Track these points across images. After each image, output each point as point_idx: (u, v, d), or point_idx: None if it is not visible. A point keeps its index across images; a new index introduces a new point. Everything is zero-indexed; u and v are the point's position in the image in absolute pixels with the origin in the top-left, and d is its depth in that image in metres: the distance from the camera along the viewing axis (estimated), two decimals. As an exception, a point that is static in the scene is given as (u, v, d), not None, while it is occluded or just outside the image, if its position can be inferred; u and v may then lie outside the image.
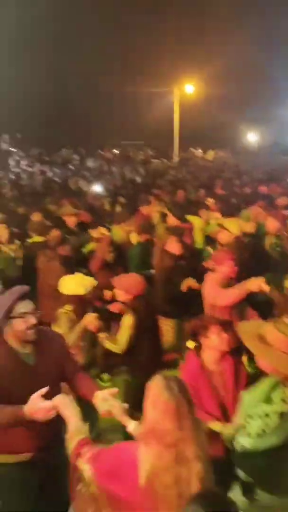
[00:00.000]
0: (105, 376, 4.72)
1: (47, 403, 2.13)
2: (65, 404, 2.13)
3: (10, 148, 21.21)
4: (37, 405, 2.13)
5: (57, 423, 2.56)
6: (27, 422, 2.18)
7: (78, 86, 23.83)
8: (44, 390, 2.17)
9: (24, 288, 2.48)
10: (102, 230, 5.56)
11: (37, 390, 2.20)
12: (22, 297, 2.42)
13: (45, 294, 4.46)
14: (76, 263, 5.02)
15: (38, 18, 22.13)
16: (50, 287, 4.57)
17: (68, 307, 3.60)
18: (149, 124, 24.45)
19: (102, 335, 3.65)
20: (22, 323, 2.38)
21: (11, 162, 18.37)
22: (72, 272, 4.47)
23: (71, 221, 6.24)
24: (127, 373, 3.81)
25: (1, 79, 22.16)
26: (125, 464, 1.75)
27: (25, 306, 2.41)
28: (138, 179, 14.51)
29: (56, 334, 2.77)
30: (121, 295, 3.72)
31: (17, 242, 5.64)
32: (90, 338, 3.73)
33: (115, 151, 23.77)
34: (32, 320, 2.41)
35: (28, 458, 2.44)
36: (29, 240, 5.73)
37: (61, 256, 4.96)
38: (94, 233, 5.57)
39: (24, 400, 2.19)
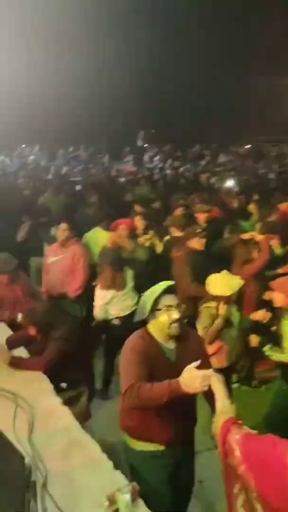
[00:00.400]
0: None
1: (204, 371, 2.16)
2: (217, 379, 2.14)
3: (145, 144, 21.91)
4: (194, 373, 2.16)
5: (192, 420, 2.66)
6: (176, 402, 2.23)
7: (214, 81, 23.64)
8: (196, 363, 2.20)
9: (170, 282, 2.56)
10: (255, 234, 5.28)
11: None
12: (168, 290, 2.49)
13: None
14: (213, 261, 4.97)
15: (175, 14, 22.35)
16: (177, 278, 4.68)
17: (212, 304, 3.66)
18: (285, 119, 23.32)
19: (266, 349, 3.61)
20: (166, 316, 2.45)
21: (145, 157, 19.01)
22: (203, 270, 4.52)
23: (202, 218, 6.22)
24: (283, 380, 3.65)
25: (136, 77, 22.95)
26: (276, 461, 1.66)
27: (170, 299, 2.49)
28: (272, 176, 13.96)
29: (196, 335, 2.82)
30: (281, 299, 3.55)
31: (151, 232, 5.81)
32: (236, 342, 3.73)
33: (248, 146, 23.15)
34: (176, 314, 2.46)
35: (163, 449, 2.53)
36: (169, 235, 5.80)
37: (191, 250, 4.96)
38: (244, 235, 5.34)
39: None
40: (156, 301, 2.47)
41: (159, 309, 2.47)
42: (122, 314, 4.47)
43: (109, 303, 4.46)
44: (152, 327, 2.53)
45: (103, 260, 4.55)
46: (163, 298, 2.48)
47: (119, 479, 2.32)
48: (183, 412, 2.50)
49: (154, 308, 2.47)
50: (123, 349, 2.54)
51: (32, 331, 3.51)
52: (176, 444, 2.55)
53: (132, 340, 2.54)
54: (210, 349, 3.62)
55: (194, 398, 2.63)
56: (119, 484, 2.25)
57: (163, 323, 2.47)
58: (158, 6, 21.88)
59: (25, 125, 19.89)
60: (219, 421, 1.91)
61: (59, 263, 5.05)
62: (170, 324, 2.46)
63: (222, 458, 1.86)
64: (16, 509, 1.78)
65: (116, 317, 4.49)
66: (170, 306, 2.47)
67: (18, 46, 19.87)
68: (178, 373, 2.28)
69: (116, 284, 4.45)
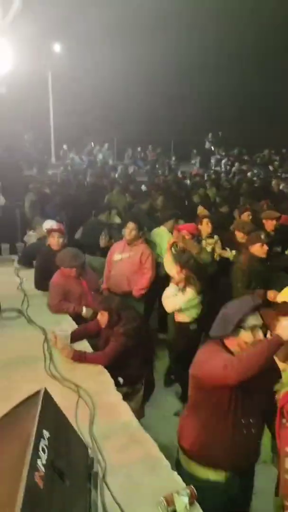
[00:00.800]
0: None
1: None
2: None
3: (212, 147, 21.74)
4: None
5: (256, 451, 2.58)
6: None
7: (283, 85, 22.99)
8: None
9: (259, 301, 2.48)
10: None
11: (247, 405, 2.28)
12: (254, 309, 2.42)
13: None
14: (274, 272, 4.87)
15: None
16: (232, 282, 4.68)
17: None
18: None
19: None
20: (250, 337, 2.38)
21: (212, 160, 18.86)
22: (262, 278, 4.45)
23: (270, 225, 6.08)
24: None
25: (207, 81, 22.78)
26: None
27: (256, 319, 2.41)
28: None
29: None
30: None
31: (215, 237, 5.78)
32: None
33: None
34: (260, 334, 2.39)
35: (223, 478, 2.46)
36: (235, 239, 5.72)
37: (252, 256, 4.87)
38: None
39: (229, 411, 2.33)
40: (243, 319, 2.38)
41: (244, 328, 2.38)
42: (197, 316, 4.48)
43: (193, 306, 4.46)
44: (230, 343, 2.44)
45: (188, 266, 4.45)
46: (250, 317, 2.39)
47: (177, 480, 2.32)
48: (249, 436, 2.43)
49: (240, 326, 2.39)
50: (204, 356, 2.44)
51: (103, 317, 3.59)
52: (238, 473, 2.47)
53: (213, 347, 2.45)
54: (280, 365, 3.53)
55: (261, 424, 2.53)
56: (177, 485, 2.25)
57: (245, 343, 2.38)
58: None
59: (95, 124, 20.37)
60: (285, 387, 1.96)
61: (126, 261, 5.11)
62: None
63: (278, 417, 2.04)
64: (81, 498, 1.83)
65: (194, 320, 4.47)
66: (255, 325, 2.39)
67: (94, 51, 20.36)
68: (248, 393, 2.22)
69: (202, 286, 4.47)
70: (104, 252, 5.68)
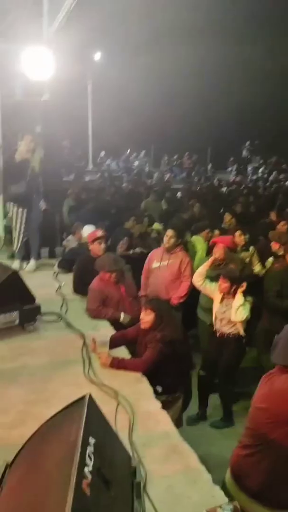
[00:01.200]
0: None
1: None
2: None
3: (249, 155, 21.52)
4: None
5: None
6: None
7: None
8: None
9: None
10: None
11: None
12: None
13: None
14: None
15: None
16: (264, 291, 4.66)
17: None
18: None
19: None
20: None
21: (249, 168, 18.66)
22: None
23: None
24: None
25: (244, 88, 22.60)
26: None
27: None
28: None
29: None
30: None
31: (251, 249, 5.68)
32: None
33: None
34: None
35: None
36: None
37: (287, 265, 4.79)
38: None
39: None
40: None
41: None
42: None
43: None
44: None
45: (242, 280, 4.45)
46: None
47: (219, 495, 2.26)
48: None
49: None
50: (284, 386, 2.21)
51: (148, 316, 3.57)
52: None
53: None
54: None
55: None
56: (219, 500, 2.19)
57: None
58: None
59: (133, 131, 20.51)
60: None
61: (164, 269, 5.08)
62: None
63: None
64: (124, 508, 1.81)
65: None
66: None
67: (133, 60, 20.58)
68: None
69: None
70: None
